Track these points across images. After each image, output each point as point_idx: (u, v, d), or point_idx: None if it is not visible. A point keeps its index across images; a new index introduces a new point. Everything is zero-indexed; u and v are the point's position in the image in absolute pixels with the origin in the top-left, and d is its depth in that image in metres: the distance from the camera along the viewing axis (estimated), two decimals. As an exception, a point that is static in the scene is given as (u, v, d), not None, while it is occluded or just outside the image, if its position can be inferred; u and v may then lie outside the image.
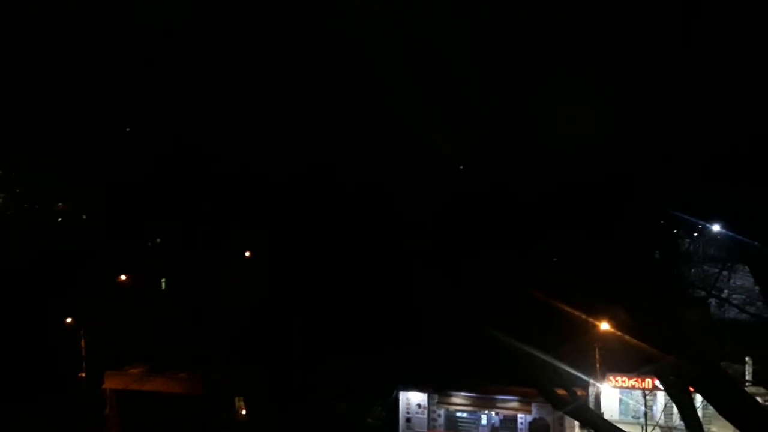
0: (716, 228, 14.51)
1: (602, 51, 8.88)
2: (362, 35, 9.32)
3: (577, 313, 15.27)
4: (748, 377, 23.91)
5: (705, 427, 17.37)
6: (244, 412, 29.51)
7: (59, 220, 32.25)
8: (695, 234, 21.30)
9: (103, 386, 29.65)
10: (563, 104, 9.28)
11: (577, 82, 9.15)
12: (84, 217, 31.48)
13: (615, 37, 8.73)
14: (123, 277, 31.76)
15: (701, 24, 8.05)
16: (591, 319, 17.67)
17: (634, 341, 12.30)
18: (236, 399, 29.48)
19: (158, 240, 31.24)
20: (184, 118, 14.79)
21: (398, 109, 10.73)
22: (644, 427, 26.18)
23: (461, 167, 12.77)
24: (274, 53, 10.79)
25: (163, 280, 33.82)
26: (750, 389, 22.12)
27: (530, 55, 8.91)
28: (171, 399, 28.52)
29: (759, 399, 21.14)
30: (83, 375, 30.73)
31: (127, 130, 17.60)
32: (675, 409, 19.45)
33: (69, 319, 30.50)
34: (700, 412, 18.14)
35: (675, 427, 25.57)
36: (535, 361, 15.13)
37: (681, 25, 8.17)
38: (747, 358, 24.28)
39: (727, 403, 11.54)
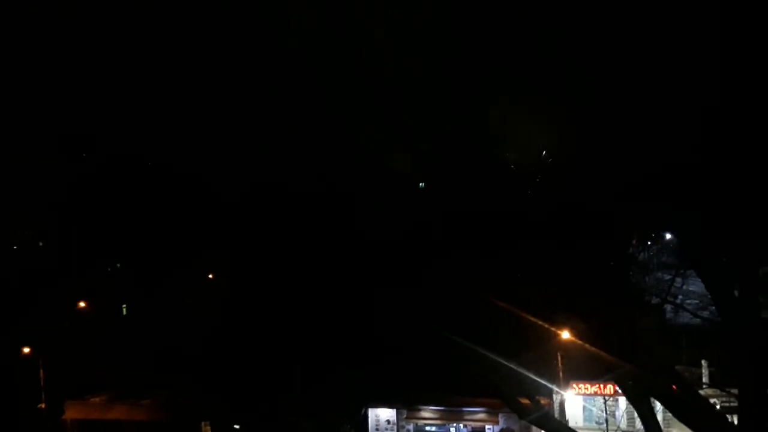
0: (669, 236, 15.06)
1: (557, 77, 9.27)
2: (319, 63, 9.56)
3: (539, 322, 15.57)
4: (704, 380, 24.62)
5: (665, 430, 17.87)
6: (210, 436, 29.06)
7: (15, 247, 31.45)
8: (649, 243, 21.99)
9: (64, 417, 28.85)
10: (519, 125, 9.64)
11: (535, 105, 9.53)
12: (40, 243, 30.80)
13: (569, 67, 9.14)
14: (82, 303, 31.05)
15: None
16: (553, 329, 18.01)
17: (594, 349, 12.66)
18: (202, 424, 29.01)
19: (118, 265, 30.73)
20: (143, 139, 14.75)
21: (356, 131, 10.97)
22: (605, 433, 26.74)
23: (420, 185, 13.04)
24: (234, 79, 10.94)
25: (124, 305, 33.20)
26: (707, 391, 22.81)
27: (486, 82, 9.26)
28: (134, 427, 27.91)
29: (716, 401, 21.84)
30: (43, 406, 29.80)
31: (83, 155, 17.43)
32: (636, 414, 19.93)
33: (27, 349, 29.64)
34: (660, 416, 18.65)
35: (636, 431, 26.18)
36: (500, 372, 15.41)
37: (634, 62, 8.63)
38: (703, 362, 25.03)
39: (682, 407, 11.97)
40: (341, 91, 10.12)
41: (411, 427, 29.30)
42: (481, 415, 28.13)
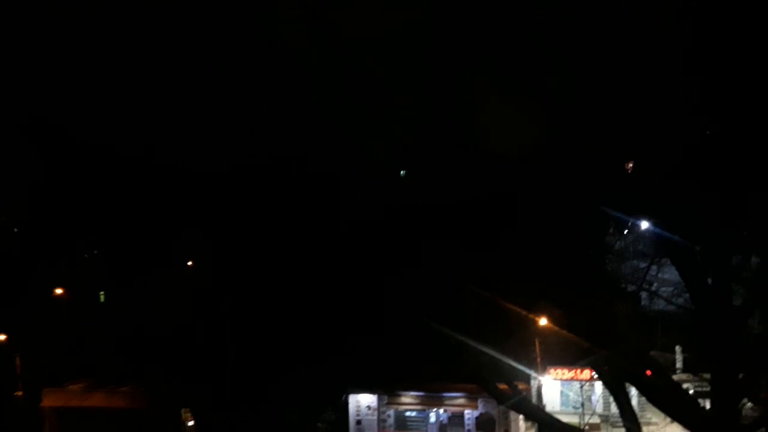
0: (644, 225, 15.26)
1: (531, 63, 9.32)
2: (301, 55, 9.54)
3: (517, 309, 15.76)
4: (678, 365, 25.16)
5: (639, 414, 18.23)
6: (191, 423, 29.01)
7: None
8: (626, 231, 22.24)
9: (41, 404, 28.59)
10: (496, 112, 9.69)
11: (508, 91, 9.58)
12: (15, 230, 30.32)
13: (546, 54, 9.19)
14: (59, 290, 30.67)
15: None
16: (530, 315, 18.22)
17: (570, 335, 12.87)
18: (183, 411, 28.94)
19: (95, 251, 30.39)
20: (119, 126, 14.57)
21: (337, 119, 10.95)
22: (582, 417, 27.21)
23: (402, 172, 13.08)
24: (214, 69, 10.86)
25: (102, 292, 32.89)
26: (680, 377, 23.31)
27: (463, 67, 9.28)
28: (114, 414, 27.76)
29: (689, 386, 22.33)
30: (20, 393, 29.51)
31: (59, 141, 17.16)
32: (612, 399, 20.29)
33: (2, 336, 29.26)
34: (634, 401, 19.02)
35: (612, 415, 26.71)
36: (479, 358, 15.57)
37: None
38: (677, 347, 25.55)
39: (656, 392, 12.24)
40: (323, 82, 10.11)
41: (391, 412, 29.52)
42: (461, 400, 28.44)
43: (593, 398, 28.69)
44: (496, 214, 11.31)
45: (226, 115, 12.30)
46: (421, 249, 13.44)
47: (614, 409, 21.30)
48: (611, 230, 18.43)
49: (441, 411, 29.14)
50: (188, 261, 26.66)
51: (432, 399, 28.86)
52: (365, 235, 14.14)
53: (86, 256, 30.96)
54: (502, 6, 8.69)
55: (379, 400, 29.34)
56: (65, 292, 30.70)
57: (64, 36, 11.34)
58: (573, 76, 9.17)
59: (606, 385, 17.83)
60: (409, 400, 29.26)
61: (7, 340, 29.31)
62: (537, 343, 26.18)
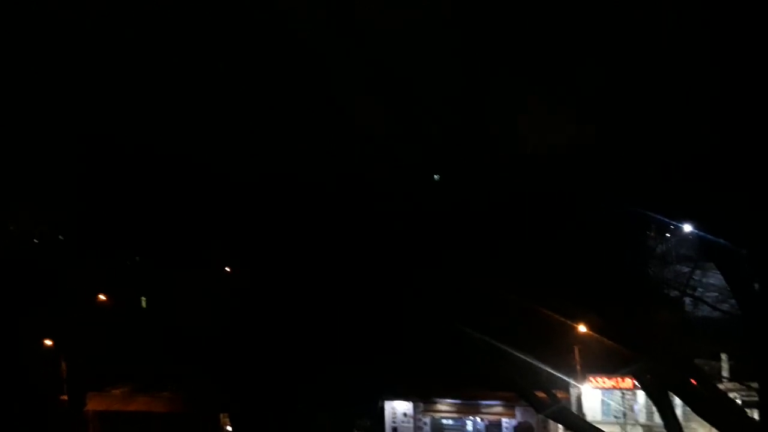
0: (687, 228, 14.85)
1: (565, 60, 9.15)
2: (328, 55, 9.54)
3: (555, 316, 15.50)
4: (724, 374, 24.35)
5: (684, 424, 17.68)
6: (229, 428, 29.36)
7: (35, 241, 31.94)
8: (668, 234, 21.68)
9: (85, 408, 29.33)
10: (530, 115, 9.54)
11: (544, 93, 9.41)
12: (60, 237, 31.23)
13: (579, 49, 9.01)
14: (102, 296, 31.48)
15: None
16: (570, 322, 17.90)
17: (611, 343, 12.55)
18: (221, 415, 29.33)
19: (137, 258, 31.09)
20: (160, 133, 14.81)
21: (367, 122, 10.92)
22: (624, 427, 26.54)
23: (435, 176, 12.98)
24: (245, 73, 10.94)
25: (143, 298, 33.61)
26: (727, 385, 22.54)
27: (493, 66, 9.16)
28: (155, 418, 28.30)
29: (736, 395, 21.58)
30: (65, 397, 30.33)
31: (101, 150, 17.54)
32: (655, 408, 19.73)
33: (48, 341, 30.14)
34: (678, 410, 18.46)
35: (655, 426, 25.96)
36: (516, 365, 15.32)
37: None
38: (722, 355, 24.73)
39: (701, 402, 11.83)
40: (352, 84, 10.09)
41: (428, 420, 29.33)
42: (498, 409, 28.09)
43: (636, 408, 27.94)
44: (530, 219, 11.11)
45: (252, 119, 12.37)
46: (457, 254, 13.31)
47: (658, 419, 20.66)
48: (652, 233, 17.98)
49: (478, 419, 28.82)
50: (226, 267, 27.04)
51: (469, 407, 28.58)
52: (401, 241, 14.07)
53: (128, 263, 31.70)
54: (533, 8, 8.55)
55: (415, 407, 29.20)
56: (108, 298, 31.48)
57: (113, 51, 11.54)
58: (605, 74, 8.96)
59: (649, 394, 17.37)
60: (445, 407, 29.04)
61: (53, 345, 30.17)
62: (576, 351, 25.69)
